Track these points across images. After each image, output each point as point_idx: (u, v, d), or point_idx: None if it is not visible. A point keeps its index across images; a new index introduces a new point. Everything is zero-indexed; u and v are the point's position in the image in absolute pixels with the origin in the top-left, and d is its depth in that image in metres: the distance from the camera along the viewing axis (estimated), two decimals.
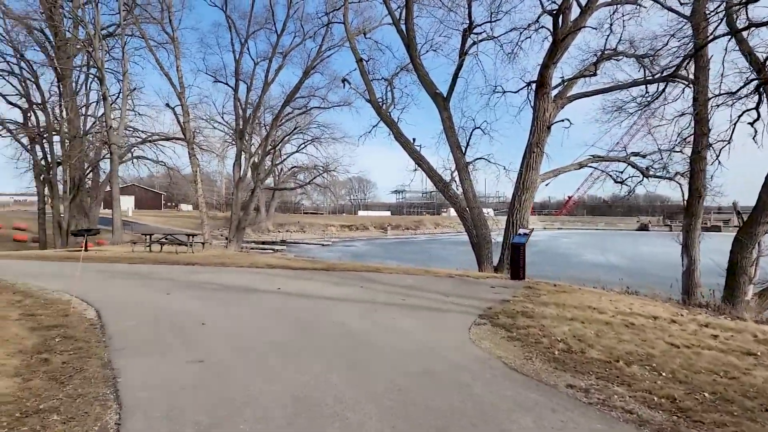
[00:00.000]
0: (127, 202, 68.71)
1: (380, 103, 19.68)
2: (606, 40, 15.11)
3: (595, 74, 15.85)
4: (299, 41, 29.36)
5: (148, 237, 17.53)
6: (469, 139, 17.90)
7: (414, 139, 19.47)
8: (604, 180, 17.97)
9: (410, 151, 18.70)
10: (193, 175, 27.48)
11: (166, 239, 18.61)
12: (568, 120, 15.97)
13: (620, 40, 15.20)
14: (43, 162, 25.61)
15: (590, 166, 17.81)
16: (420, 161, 18.52)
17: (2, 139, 25.05)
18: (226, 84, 29.77)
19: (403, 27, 18.28)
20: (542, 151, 15.91)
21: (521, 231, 11.31)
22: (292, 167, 52.50)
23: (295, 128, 35.50)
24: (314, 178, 41.79)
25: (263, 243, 45.41)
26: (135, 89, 27.29)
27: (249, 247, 36.04)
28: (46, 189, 26.12)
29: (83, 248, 18.12)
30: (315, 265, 13.86)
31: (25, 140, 25.57)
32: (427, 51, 19.70)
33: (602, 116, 17.58)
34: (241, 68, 28.87)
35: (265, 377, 4.46)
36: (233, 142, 34.13)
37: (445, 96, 17.79)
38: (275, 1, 29.87)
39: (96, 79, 25.29)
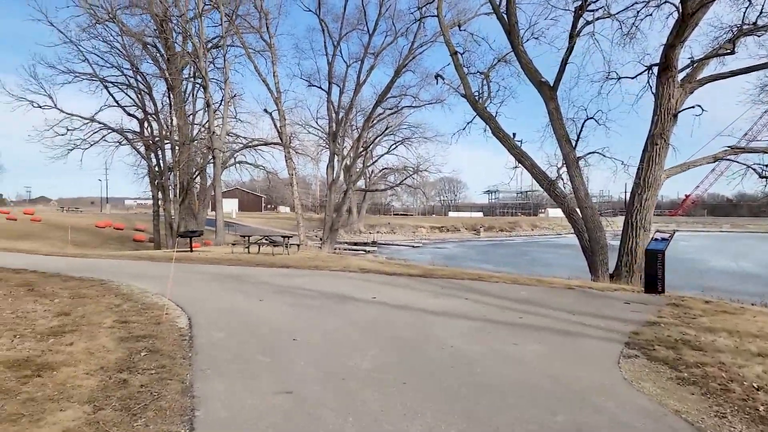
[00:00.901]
0: (230, 205, 73.55)
1: (476, 98, 18.32)
2: (744, 13, 12.50)
3: (732, 52, 13.21)
4: (391, 40, 28.82)
5: (246, 239, 17.83)
6: (580, 131, 15.95)
7: (514, 134, 17.89)
8: (744, 174, 15.04)
9: (510, 147, 17.11)
10: (289, 178, 28.09)
11: (265, 240, 18.89)
12: (699, 106, 13.48)
13: (762, 12, 12.48)
14: (156, 168, 27.60)
15: (727, 159, 15.04)
16: (521, 157, 16.88)
17: (124, 147, 27.51)
18: (320, 87, 30.12)
19: (504, 14, 16.77)
20: (667, 143, 13.62)
21: (659, 235, 9.43)
22: (383, 169, 52.54)
23: (386, 129, 35.14)
24: (405, 179, 41.19)
25: (355, 244, 45.77)
26: (235, 96, 28.50)
27: (341, 248, 36.31)
28: (160, 193, 28.12)
29: (189, 249, 18.96)
30: (410, 270, 12.94)
31: (142, 148, 27.73)
32: (528, 39, 17.87)
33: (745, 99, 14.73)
34: (333, 71, 29.02)
35: (362, 424, 3.54)
36: (327, 146, 34.64)
37: (551, 85, 15.98)
38: (367, 1, 29.48)
39: (201, 87, 26.73)
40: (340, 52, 29.46)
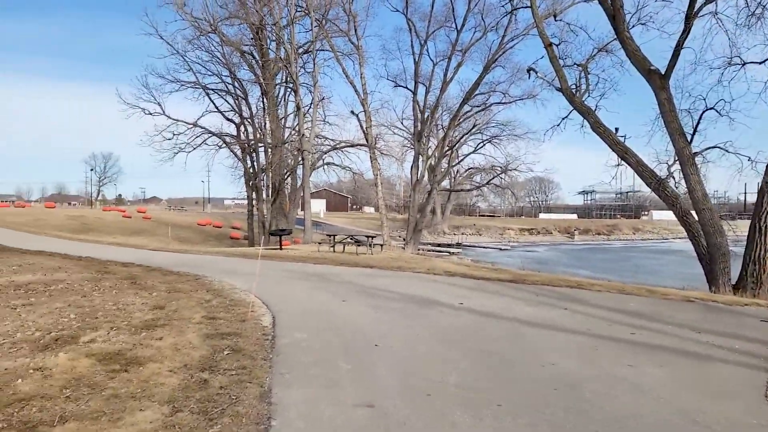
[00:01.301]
0: (319, 205, 76.23)
1: (572, 91, 16.94)
2: None
3: None
4: (480, 35, 27.86)
5: (332, 238, 18.05)
6: (697, 124, 14.18)
7: (616, 129, 16.32)
8: None
9: (612, 143, 15.60)
10: (374, 179, 28.27)
11: (350, 240, 19.03)
12: None
13: None
14: (251, 169, 29.11)
15: None
16: (625, 154, 15.32)
17: (224, 150, 29.38)
18: (406, 87, 29.95)
19: None
20: None
21: None
22: (469, 168, 51.10)
23: (473, 127, 34.09)
24: (492, 179, 39.75)
25: (439, 245, 45.07)
26: (324, 99, 29.22)
27: (425, 249, 35.87)
28: (254, 193, 29.61)
29: (279, 247, 19.62)
30: (499, 274, 12.16)
31: (238, 151, 29.40)
32: (634, 26, 16.20)
33: None
34: (420, 70, 28.70)
35: None
36: (411, 146, 34.43)
37: (662, 73, 14.26)
38: None
39: (292, 91, 27.74)
40: (427, 51, 29.00)
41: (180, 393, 3.80)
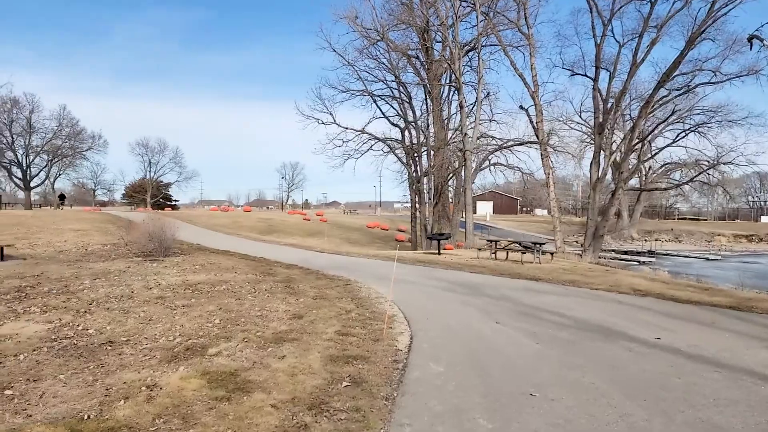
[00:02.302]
0: (485, 208, 74.07)
1: None
2: None
3: None
4: (681, 4, 23.05)
5: (493, 243, 16.58)
6: None
7: None
8: None
9: None
10: (545, 179, 25.74)
11: (515, 245, 17.32)
12: None
13: None
14: (414, 173, 29.12)
15: None
16: None
17: (391, 156, 30.04)
18: (585, 75, 26.57)
19: None
20: None
21: None
22: (665, 164, 43.84)
23: (671, 114, 28.75)
24: (697, 175, 33.27)
25: (625, 253, 39.26)
26: (488, 95, 27.65)
27: (607, 257, 31.41)
28: (417, 196, 29.58)
29: (437, 252, 18.89)
30: (712, 296, 9.32)
31: (403, 155, 29.71)
32: None
33: None
34: (602, 54, 25.11)
35: None
36: (591, 141, 30.64)
37: None
38: None
39: (455, 90, 26.88)
40: (611, 31, 25.16)
41: None
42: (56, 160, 53.57)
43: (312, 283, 9.53)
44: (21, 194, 51.86)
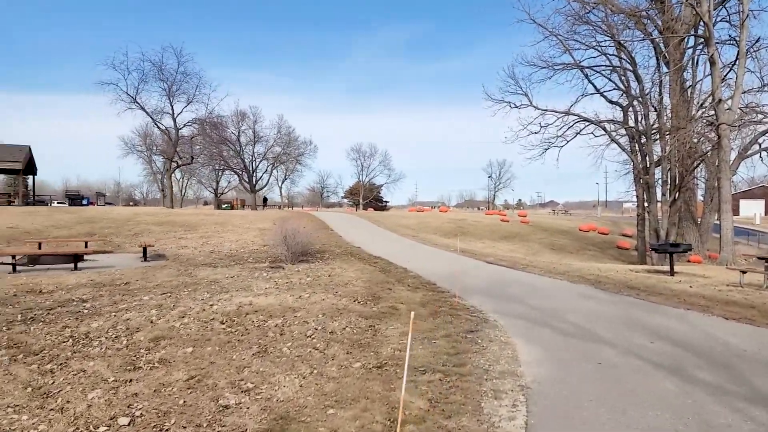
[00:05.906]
0: (752, 207, 56.13)
1: None
2: None
3: None
4: None
5: (766, 264, 10.23)
6: None
7: None
8: None
9: None
10: None
11: None
12: None
13: None
14: (641, 162, 22.40)
15: None
16: None
17: (614, 147, 23.91)
18: None
19: None
20: None
21: None
22: None
23: None
24: None
25: None
26: (757, 44, 19.13)
27: None
28: (644, 193, 22.74)
29: (669, 271, 13.08)
30: None
31: (624, 140, 23.27)
32: None
33: None
34: None
35: None
36: None
37: None
38: None
39: (701, 47, 19.37)
40: None
41: None
42: (277, 164, 61.01)
43: (417, 323, 6.29)
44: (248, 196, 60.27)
